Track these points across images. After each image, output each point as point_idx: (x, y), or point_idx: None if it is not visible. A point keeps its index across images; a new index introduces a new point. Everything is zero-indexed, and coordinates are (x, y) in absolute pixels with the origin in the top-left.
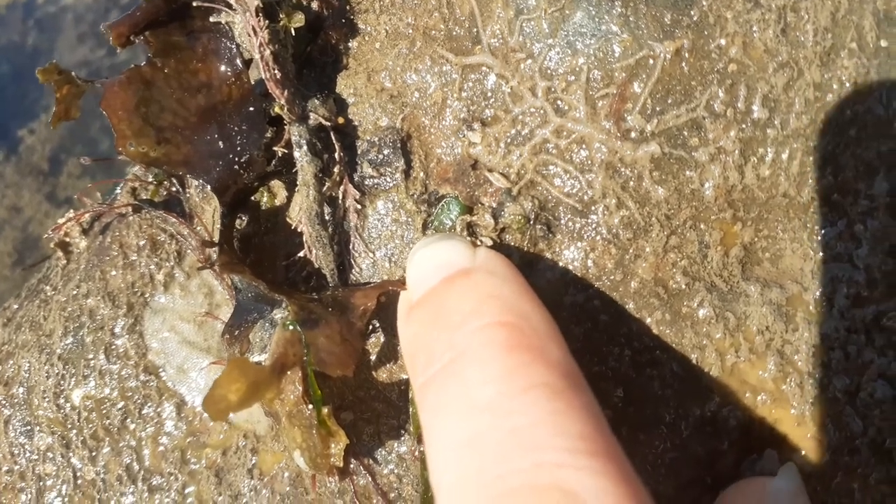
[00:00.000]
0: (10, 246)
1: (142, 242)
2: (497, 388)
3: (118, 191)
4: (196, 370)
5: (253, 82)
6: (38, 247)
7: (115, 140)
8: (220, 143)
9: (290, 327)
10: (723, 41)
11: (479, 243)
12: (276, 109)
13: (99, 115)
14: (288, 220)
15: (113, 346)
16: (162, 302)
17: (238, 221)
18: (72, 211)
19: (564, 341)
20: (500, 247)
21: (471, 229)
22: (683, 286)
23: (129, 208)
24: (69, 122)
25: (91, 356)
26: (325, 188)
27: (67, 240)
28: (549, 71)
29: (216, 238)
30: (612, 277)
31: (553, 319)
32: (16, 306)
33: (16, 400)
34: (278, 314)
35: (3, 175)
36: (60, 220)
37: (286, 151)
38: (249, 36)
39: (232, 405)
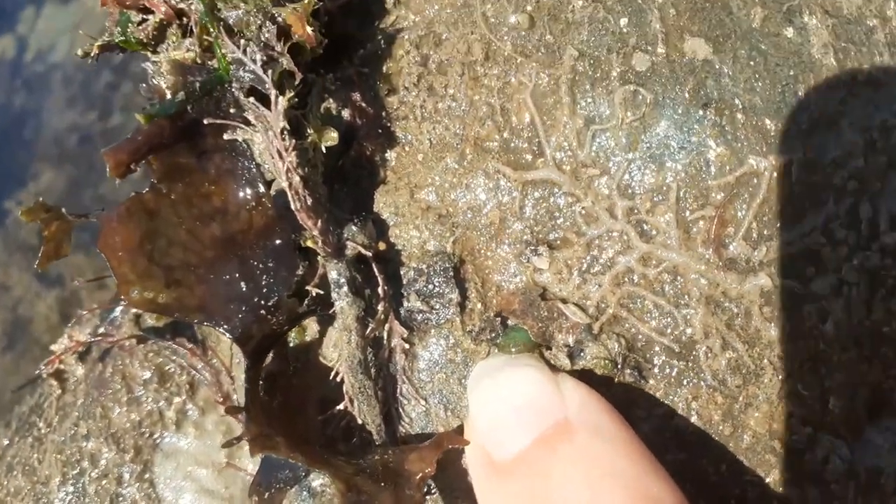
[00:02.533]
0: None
1: (148, 374)
2: None
3: (118, 312)
4: None
5: (274, 194)
6: (28, 332)
7: (116, 286)
8: (243, 283)
9: None
10: (839, 152)
11: (557, 368)
12: (309, 242)
13: (92, 181)
14: (321, 359)
15: (120, 497)
16: (174, 443)
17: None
18: (66, 338)
19: None
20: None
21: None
22: (804, 438)
23: (133, 339)
24: (59, 191)
25: None
26: (368, 330)
27: (62, 367)
28: (629, 189)
29: (241, 395)
30: (719, 431)
31: (679, 489)
32: (6, 441)
33: None
34: (317, 481)
35: None
36: (54, 348)
37: (321, 291)
38: (273, 158)
39: None
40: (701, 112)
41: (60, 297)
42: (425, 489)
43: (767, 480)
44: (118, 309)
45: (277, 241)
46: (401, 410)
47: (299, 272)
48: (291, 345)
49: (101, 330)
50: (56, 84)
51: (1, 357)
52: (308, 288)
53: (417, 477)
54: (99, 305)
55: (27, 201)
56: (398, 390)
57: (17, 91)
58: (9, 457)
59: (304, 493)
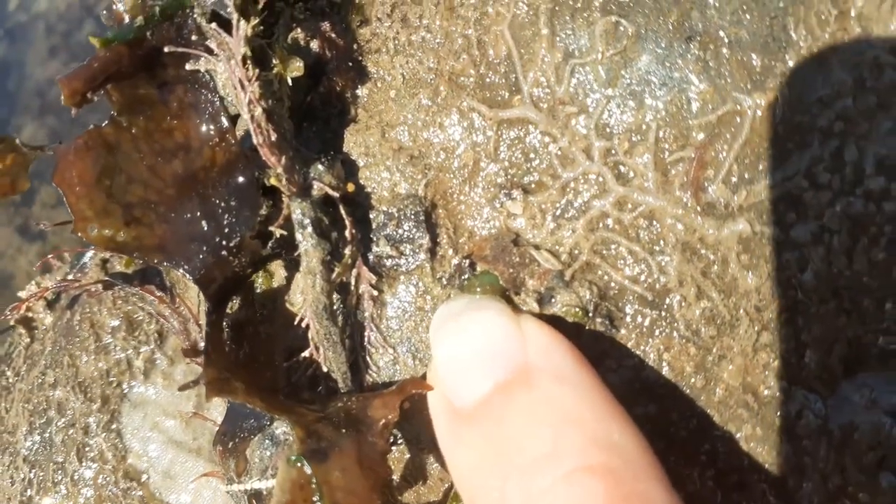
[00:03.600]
0: None
1: (116, 322)
2: None
3: (87, 258)
4: (185, 476)
5: (240, 134)
6: (9, 285)
7: (72, 222)
8: (204, 222)
9: (297, 464)
10: (826, 91)
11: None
12: (273, 180)
13: (75, 134)
14: (288, 306)
15: (87, 447)
16: (142, 393)
17: (228, 305)
18: (34, 284)
19: (662, 467)
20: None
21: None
22: (777, 393)
23: (100, 285)
24: (41, 143)
25: (61, 458)
26: (334, 275)
27: (30, 314)
28: (607, 128)
29: (202, 336)
30: (691, 383)
31: (642, 434)
32: None
33: None
34: (280, 428)
35: None
36: (22, 294)
37: (285, 233)
38: (236, 88)
39: None
40: (684, 45)
41: (42, 252)
42: (390, 438)
43: (739, 435)
44: (87, 256)
45: (240, 180)
46: (368, 359)
47: (262, 212)
48: (258, 291)
49: (70, 277)
50: (38, 34)
51: None
52: (272, 229)
53: (381, 423)
54: (64, 249)
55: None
56: (366, 338)
57: (0, 41)
58: None
59: (267, 441)
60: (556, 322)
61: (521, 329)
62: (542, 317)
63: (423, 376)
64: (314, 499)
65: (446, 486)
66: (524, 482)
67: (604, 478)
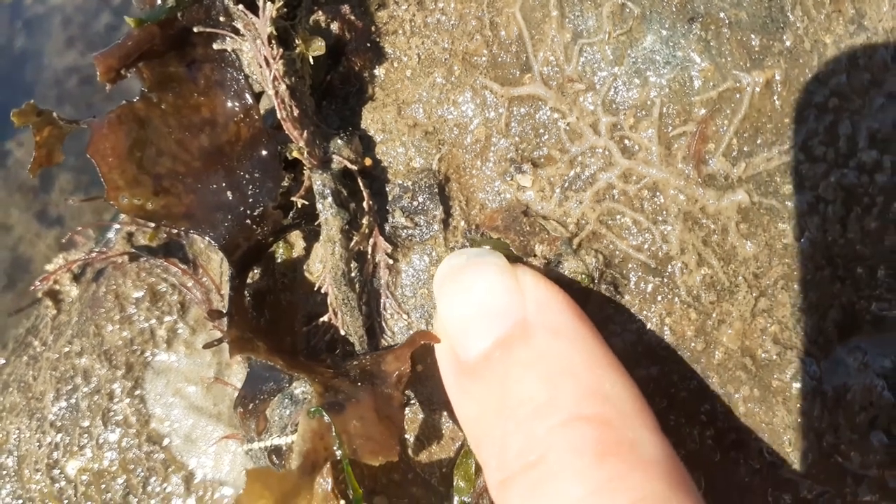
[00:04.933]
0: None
1: (140, 293)
2: None
3: (112, 233)
4: (205, 440)
5: (263, 112)
6: (28, 270)
7: (105, 191)
8: (229, 192)
9: (317, 415)
10: (821, 69)
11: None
12: (295, 153)
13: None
14: (307, 274)
15: (111, 412)
16: (165, 361)
17: (250, 275)
18: (62, 258)
19: (654, 416)
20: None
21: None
22: (774, 356)
23: (125, 258)
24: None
25: (87, 423)
26: (352, 243)
27: (57, 287)
28: (614, 104)
29: (225, 301)
30: (692, 346)
31: (635, 384)
32: (2, 360)
33: (5, 471)
34: (299, 388)
35: None
36: (49, 267)
37: (307, 203)
38: (261, 67)
39: None
40: (687, 26)
41: (60, 237)
42: (404, 389)
43: (737, 396)
44: (112, 231)
45: (264, 153)
46: (384, 324)
47: (284, 184)
48: (279, 261)
49: (96, 250)
50: (56, 26)
51: (1, 296)
52: (294, 199)
53: (394, 375)
54: (87, 225)
55: (27, 143)
56: (381, 305)
57: (18, 33)
58: (5, 375)
59: (287, 400)
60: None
61: (518, 284)
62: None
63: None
64: (334, 448)
65: (457, 444)
66: (522, 430)
67: (597, 425)
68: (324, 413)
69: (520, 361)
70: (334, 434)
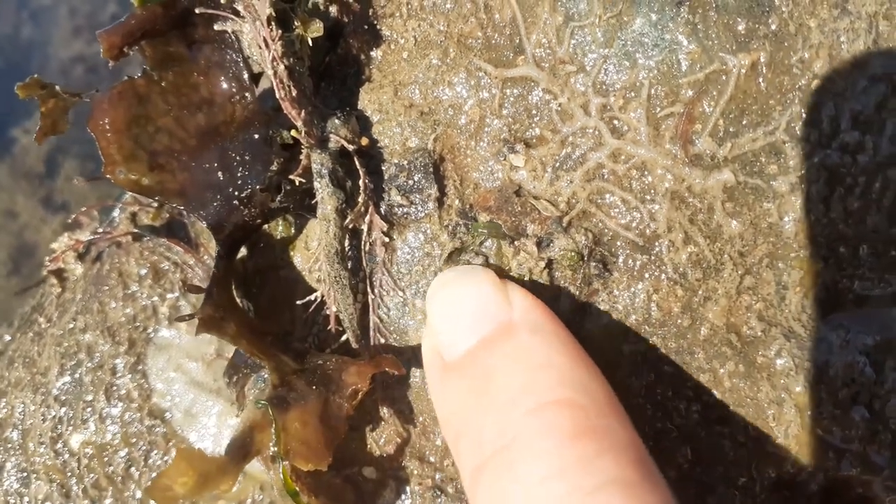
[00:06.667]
0: (5, 254)
1: (143, 271)
2: (563, 488)
3: (116, 214)
4: (206, 414)
5: (259, 92)
6: (34, 255)
7: (102, 165)
8: (220, 173)
9: (261, 406)
10: (806, 54)
11: (508, 277)
12: (293, 133)
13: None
14: (305, 251)
15: (114, 387)
16: (166, 337)
17: (244, 254)
18: (67, 236)
19: (624, 411)
20: (546, 287)
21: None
22: (759, 333)
23: (129, 237)
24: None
25: (90, 397)
26: (347, 221)
27: (62, 265)
28: (604, 86)
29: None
30: (678, 323)
31: (607, 383)
32: (7, 337)
33: (10, 444)
34: (265, 373)
35: None
36: (55, 246)
37: (303, 181)
38: (260, 48)
39: (177, 497)
40: (675, 9)
41: (65, 223)
42: (356, 404)
43: (722, 372)
44: (116, 211)
45: (256, 136)
46: (380, 301)
47: (273, 168)
48: (279, 238)
49: (100, 230)
50: (62, 15)
51: (6, 281)
52: (292, 177)
53: (351, 388)
54: (92, 205)
55: (33, 131)
56: (377, 282)
57: (24, 23)
58: (10, 351)
59: (260, 381)
60: (550, 269)
61: (506, 293)
62: (528, 285)
63: (394, 361)
64: (270, 443)
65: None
66: (499, 417)
67: (571, 410)
68: (269, 406)
69: (502, 355)
70: (273, 430)
